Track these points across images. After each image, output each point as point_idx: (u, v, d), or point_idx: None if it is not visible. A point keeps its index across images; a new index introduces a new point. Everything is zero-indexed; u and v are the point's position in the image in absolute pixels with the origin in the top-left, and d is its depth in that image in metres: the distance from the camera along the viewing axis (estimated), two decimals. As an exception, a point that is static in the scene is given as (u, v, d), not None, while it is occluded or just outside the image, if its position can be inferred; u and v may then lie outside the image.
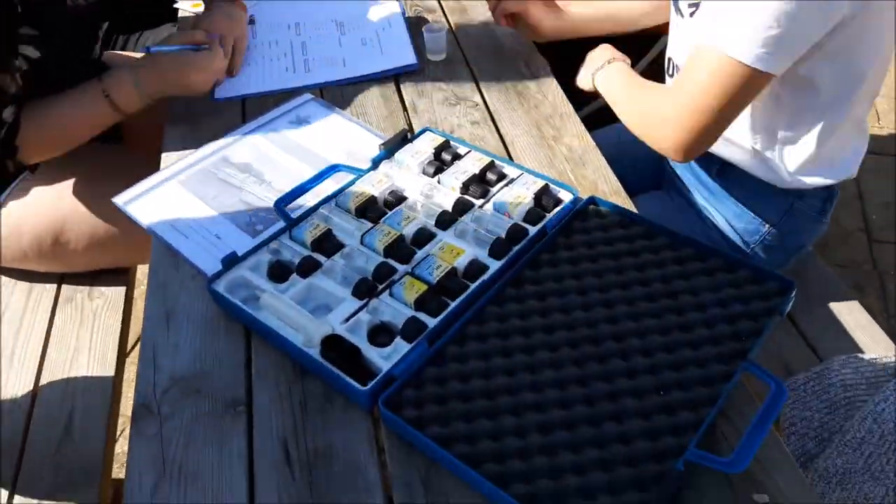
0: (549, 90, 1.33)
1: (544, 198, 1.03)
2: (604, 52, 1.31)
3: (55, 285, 1.47)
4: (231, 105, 1.33)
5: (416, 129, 1.22)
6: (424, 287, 0.90)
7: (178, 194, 1.14)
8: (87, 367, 1.31)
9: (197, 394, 0.86)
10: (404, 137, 1.14)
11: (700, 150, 1.12)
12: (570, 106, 1.29)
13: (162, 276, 1.02)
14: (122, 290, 1.46)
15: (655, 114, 1.12)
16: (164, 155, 1.23)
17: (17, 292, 1.47)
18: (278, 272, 0.96)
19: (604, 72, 1.26)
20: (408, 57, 1.39)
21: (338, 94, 1.34)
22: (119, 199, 1.13)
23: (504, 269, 0.93)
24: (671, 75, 1.28)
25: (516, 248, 0.96)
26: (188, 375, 0.88)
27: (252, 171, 1.18)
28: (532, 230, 0.98)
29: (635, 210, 1.06)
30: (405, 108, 1.31)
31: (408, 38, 1.44)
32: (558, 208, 1.02)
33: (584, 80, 1.31)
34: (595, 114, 1.61)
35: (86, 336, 1.36)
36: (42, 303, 1.44)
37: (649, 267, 0.93)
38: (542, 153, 1.18)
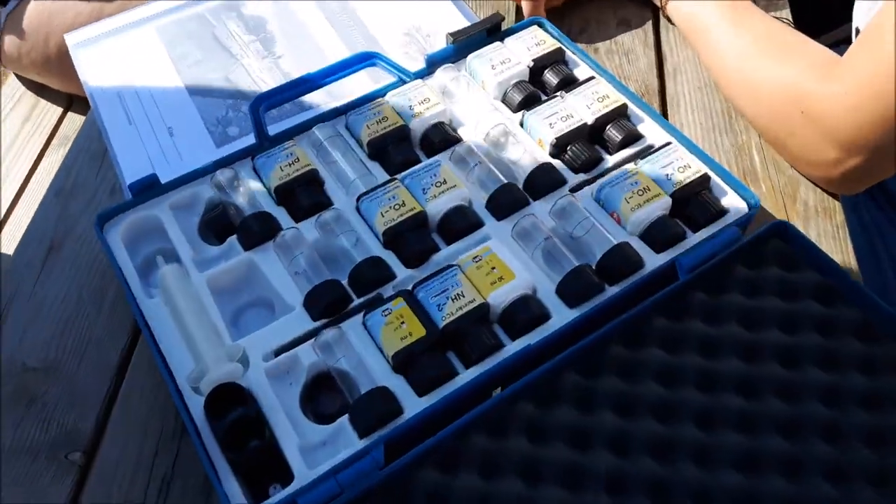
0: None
1: (693, 203, 0.57)
2: None
3: (60, 111, 1.19)
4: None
5: (525, 16, 0.77)
6: (421, 331, 0.50)
7: (148, 47, 0.76)
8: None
9: (29, 406, 0.53)
10: (494, 28, 0.69)
11: (873, 182, 0.61)
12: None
13: (73, 175, 0.67)
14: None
15: (801, 103, 0.59)
16: (159, -21, 0.85)
17: (19, 109, 1.20)
18: (215, 226, 0.59)
19: None
20: None
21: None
22: (71, 38, 0.78)
23: (577, 328, 0.51)
24: None
25: (611, 292, 0.53)
26: (33, 367, 0.55)
27: (262, 33, 0.77)
28: (650, 264, 0.54)
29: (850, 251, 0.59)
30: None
31: None
32: (713, 228, 0.56)
33: None
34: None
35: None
36: (37, 135, 1.17)
37: (850, 403, 0.48)
38: (717, 106, 0.69)
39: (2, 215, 1.04)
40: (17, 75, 1.24)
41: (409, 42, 0.76)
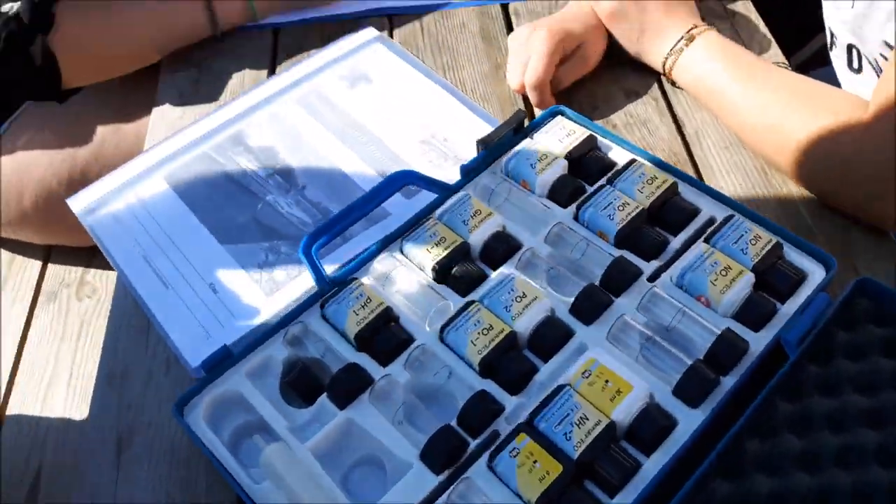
0: (754, 34, 0.82)
1: (773, 273, 0.57)
2: (669, 10, 0.74)
3: (40, 264, 1.13)
4: (257, 41, 0.89)
5: (535, 105, 0.77)
6: (557, 467, 0.48)
7: (161, 199, 0.73)
8: (65, 400, 0.97)
9: None
10: (518, 126, 0.69)
11: None
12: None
13: (121, 358, 0.63)
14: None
15: (843, 154, 0.61)
16: (151, 123, 0.82)
17: (-6, 274, 1.14)
18: (298, 386, 0.56)
19: (691, 54, 0.72)
20: (524, -27, 0.91)
21: (413, 28, 0.88)
22: (76, 203, 0.74)
23: (708, 427, 0.50)
24: (856, 69, 0.76)
25: (727, 384, 0.52)
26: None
27: (276, 163, 0.75)
28: (755, 346, 0.54)
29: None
30: (518, 62, 0.84)
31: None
32: (800, 296, 0.56)
33: (648, 57, 0.77)
34: (808, 63, 1.08)
35: (67, 354, 1.01)
36: (21, 293, 1.10)
37: None
38: (749, 164, 0.70)
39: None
40: (-17, 234, 1.18)
41: (429, 150, 0.75)
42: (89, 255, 1.13)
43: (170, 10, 0.85)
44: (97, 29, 0.83)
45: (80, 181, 1.02)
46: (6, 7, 0.78)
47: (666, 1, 0.75)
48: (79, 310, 1.06)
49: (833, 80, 0.84)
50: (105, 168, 1.03)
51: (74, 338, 1.02)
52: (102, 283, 1.09)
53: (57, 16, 0.80)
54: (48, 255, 1.14)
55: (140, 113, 1.02)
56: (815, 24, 1.09)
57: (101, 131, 1.02)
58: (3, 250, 1.15)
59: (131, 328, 0.64)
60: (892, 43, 0.69)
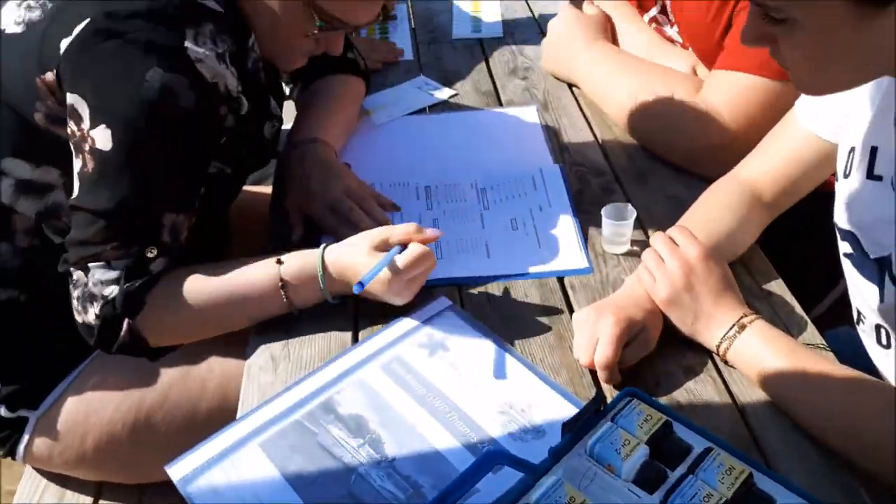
0: (791, 314, 0.92)
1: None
2: (719, 299, 0.84)
3: (90, 500, 1.14)
4: (338, 307, 0.97)
5: (603, 381, 0.84)
6: None
7: (259, 471, 0.77)
8: None
9: None
10: (597, 410, 0.76)
11: None
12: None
13: None
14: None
15: None
16: (243, 388, 0.88)
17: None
18: None
19: (744, 341, 0.82)
20: (575, 255, 1.02)
21: (481, 298, 0.97)
22: (175, 472, 0.78)
23: None
24: (885, 345, 0.86)
25: None
26: None
27: (366, 432, 0.80)
28: None
29: None
30: (581, 334, 0.93)
31: (574, 226, 1.06)
32: None
33: (701, 339, 0.86)
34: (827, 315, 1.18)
35: None
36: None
37: None
38: (811, 451, 0.76)
39: None
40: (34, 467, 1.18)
41: (508, 421, 0.81)
42: (140, 492, 1.14)
43: (253, 299, 0.92)
44: (185, 316, 0.92)
45: (144, 425, 1.07)
46: (108, 291, 0.88)
47: (716, 290, 0.85)
48: (130, 556, 1.05)
49: (853, 339, 0.93)
50: (169, 412, 1.08)
51: (125, 589, 1.01)
52: (156, 517, 1.09)
53: (148, 302, 0.89)
54: (99, 491, 1.14)
55: (206, 355, 1.08)
56: (830, 281, 1.20)
57: (169, 374, 1.07)
58: (53, 484, 1.15)
59: None
60: None
